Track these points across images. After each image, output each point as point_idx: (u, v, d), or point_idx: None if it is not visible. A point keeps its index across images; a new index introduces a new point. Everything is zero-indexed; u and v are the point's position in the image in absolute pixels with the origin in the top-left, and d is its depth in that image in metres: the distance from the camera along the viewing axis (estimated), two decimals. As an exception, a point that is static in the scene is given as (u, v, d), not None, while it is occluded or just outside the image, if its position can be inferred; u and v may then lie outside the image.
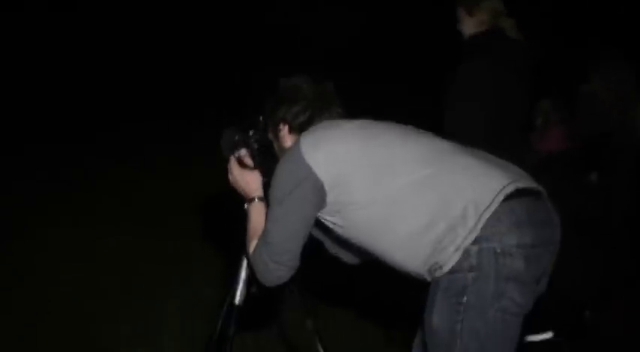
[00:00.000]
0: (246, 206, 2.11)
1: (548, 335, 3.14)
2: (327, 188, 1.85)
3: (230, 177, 2.14)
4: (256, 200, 2.08)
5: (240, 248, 2.25)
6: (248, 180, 2.10)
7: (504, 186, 1.74)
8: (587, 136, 3.41)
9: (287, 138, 2.09)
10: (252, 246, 2.00)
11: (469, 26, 3.07)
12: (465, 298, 1.73)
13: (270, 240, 1.91)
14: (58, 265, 4.21)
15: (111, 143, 7.02)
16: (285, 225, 1.89)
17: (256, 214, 2.05)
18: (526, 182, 1.81)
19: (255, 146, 2.14)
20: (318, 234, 2.18)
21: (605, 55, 3.56)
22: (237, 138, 2.17)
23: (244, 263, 2.26)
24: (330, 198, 1.87)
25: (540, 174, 2.99)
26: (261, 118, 2.15)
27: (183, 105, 8.35)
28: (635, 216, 3.34)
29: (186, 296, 3.87)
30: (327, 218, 1.96)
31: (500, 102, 3.01)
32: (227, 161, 2.17)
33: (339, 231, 1.97)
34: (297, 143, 1.93)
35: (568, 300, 3.17)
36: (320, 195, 1.86)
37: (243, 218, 2.12)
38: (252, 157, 2.13)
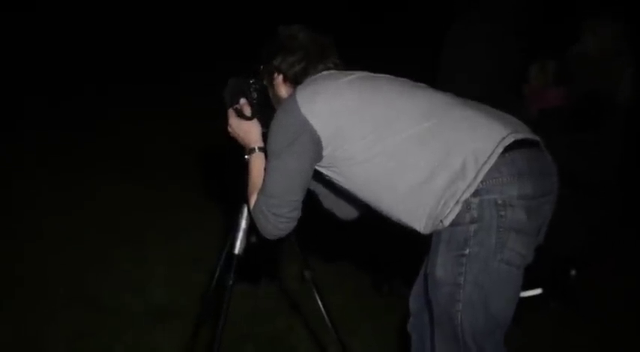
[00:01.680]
0: (246, 157, 2.09)
1: (537, 292, 3.20)
2: (323, 141, 1.84)
3: (229, 128, 2.11)
4: (256, 150, 2.05)
5: (240, 197, 2.24)
6: (247, 130, 2.08)
7: (504, 138, 1.73)
8: (579, 94, 3.43)
9: (281, 87, 2.07)
10: (252, 199, 1.98)
11: None
12: (468, 250, 1.73)
13: (269, 193, 1.90)
14: (46, 215, 4.18)
15: (121, 97, 6.97)
16: (283, 178, 1.88)
17: (257, 165, 2.03)
18: (525, 132, 1.80)
19: (255, 95, 2.11)
20: (315, 186, 2.17)
21: (598, 14, 3.56)
22: (237, 87, 2.13)
23: (244, 212, 2.25)
24: (326, 152, 1.86)
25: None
26: (261, 67, 2.12)
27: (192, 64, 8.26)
28: (623, 171, 3.40)
29: (179, 246, 3.87)
30: (325, 171, 1.95)
31: (491, 60, 3.01)
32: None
33: (337, 183, 1.96)
34: (293, 95, 1.90)
35: (557, 257, 3.23)
36: (317, 147, 1.85)
37: (242, 168, 2.11)
38: (251, 106, 2.10)
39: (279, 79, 2.07)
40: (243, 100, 2.10)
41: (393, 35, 9.40)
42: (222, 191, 4.28)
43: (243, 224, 2.26)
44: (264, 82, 2.11)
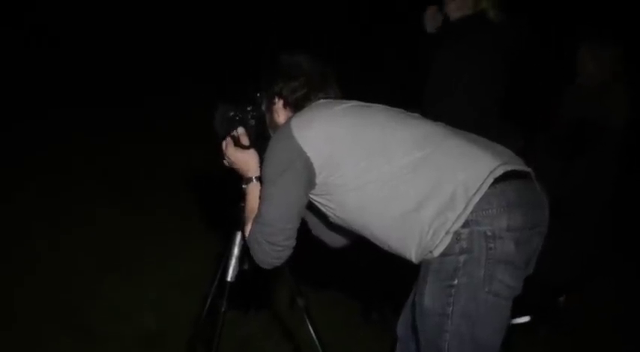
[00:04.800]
0: (244, 186, 2.11)
1: (525, 319, 3.22)
2: (316, 168, 1.86)
3: (226, 157, 2.13)
4: (254, 180, 2.07)
5: (231, 224, 2.26)
6: (245, 160, 2.10)
7: (494, 169, 1.75)
8: (570, 121, 3.47)
9: (280, 112, 2.09)
10: (248, 228, 1.99)
11: (452, 9, 3.05)
12: (457, 281, 1.74)
13: (264, 221, 1.90)
14: (33, 241, 4.15)
15: (101, 122, 6.97)
16: (278, 205, 1.89)
17: (254, 195, 2.04)
18: (515, 164, 1.82)
19: (253, 122, 2.14)
20: (305, 214, 2.16)
21: (595, 37, 3.60)
22: (232, 114, 2.15)
23: (237, 239, 2.27)
24: (319, 179, 1.88)
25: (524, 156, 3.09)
26: (259, 95, 2.14)
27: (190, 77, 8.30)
28: (614, 198, 3.42)
29: (169, 271, 3.85)
30: (317, 199, 1.96)
31: (479, 88, 3.03)
32: (218, 137, 2.15)
33: (328, 212, 1.98)
34: (287, 122, 1.92)
35: (546, 284, 3.24)
36: (310, 174, 1.86)
37: (233, 194, 2.13)
38: (249, 135, 2.12)
39: (279, 104, 2.09)
40: (241, 129, 2.12)
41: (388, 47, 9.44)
42: (212, 216, 4.31)
43: (236, 251, 2.28)
44: (262, 108, 2.13)
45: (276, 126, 2.08)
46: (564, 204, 2.98)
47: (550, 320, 3.49)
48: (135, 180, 5.40)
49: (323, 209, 1.98)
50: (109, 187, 5.18)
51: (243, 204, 2.10)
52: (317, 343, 2.34)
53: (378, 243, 1.90)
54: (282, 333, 3.22)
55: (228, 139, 2.12)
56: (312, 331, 2.33)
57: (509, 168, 1.77)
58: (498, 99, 3.14)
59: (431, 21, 3.15)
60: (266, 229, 1.90)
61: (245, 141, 2.11)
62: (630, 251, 4.39)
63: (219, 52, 9.07)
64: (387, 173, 1.80)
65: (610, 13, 7.14)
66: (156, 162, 5.86)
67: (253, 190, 2.06)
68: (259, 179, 2.03)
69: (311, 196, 1.95)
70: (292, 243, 1.94)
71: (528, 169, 1.85)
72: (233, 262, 2.28)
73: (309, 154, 1.85)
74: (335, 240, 2.26)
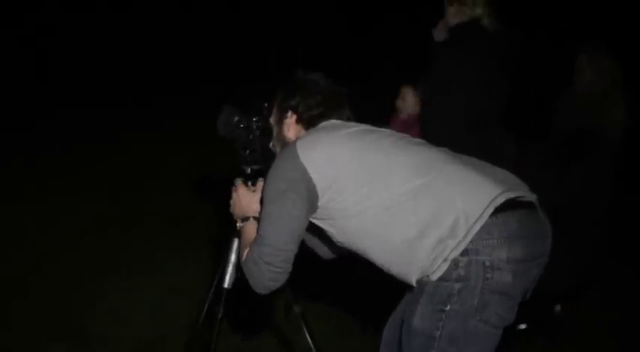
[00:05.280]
0: (239, 225, 2.13)
1: (522, 327, 3.22)
2: (319, 191, 1.85)
3: (234, 195, 2.16)
4: (251, 219, 2.09)
5: (229, 230, 2.28)
6: (251, 200, 2.12)
7: (495, 197, 1.73)
8: (566, 129, 3.47)
9: (291, 127, 2.08)
10: (245, 253, 1.97)
11: (451, 14, 3.13)
12: (449, 307, 1.74)
13: (263, 241, 1.88)
14: (31, 246, 4.17)
15: (101, 122, 7.00)
16: (277, 225, 1.86)
17: (250, 231, 2.05)
18: (518, 191, 1.80)
19: (257, 133, 2.16)
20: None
21: (593, 44, 3.62)
22: (236, 119, 2.18)
23: (234, 246, 2.28)
24: (321, 202, 1.87)
25: (519, 165, 3.10)
26: (266, 105, 2.16)
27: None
28: (611, 205, 3.43)
29: (166, 277, 3.86)
30: (319, 223, 1.96)
31: (475, 94, 3.06)
32: (218, 133, 2.20)
33: (330, 234, 1.97)
34: (293, 144, 1.92)
35: (542, 293, 3.25)
36: (313, 197, 1.86)
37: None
38: (255, 145, 2.16)
39: (292, 118, 2.07)
40: (260, 182, 2.13)
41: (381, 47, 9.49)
42: (209, 221, 4.32)
43: (233, 258, 2.30)
44: (271, 119, 2.14)
45: (282, 140, 2.09)
46: (561, 211, 2.98)
47: (547, 328, 3.50)
48: (136, 183, 5.43)
49: (326, 232, 1.98)
50: (105, 192, 5.21)
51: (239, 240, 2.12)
52: (313, 350, 2.35)
53: (378, 265, 1.89)
54: (278, 341, 3.23)
55: (240, 182, 2.17)
56: (308, 338, 2.34)
57: (511, 195, 1.76)
58: (498, 107, 3.17)
59: (439, 32, 3.22)
60: (264, 249, 1.87)
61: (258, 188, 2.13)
62: (628, 258, 4.40)
63: (228, 52, 9.09)
64: (387, 200, 1.80)
65: (605, 20, 7.16)
66: (160, 163, 5.89)
67: (248, 227, 2.07)
68: (256, 218, 2.05)
69: (313, 220, 1.94)
70: (289, 266, 1.90)
71: (533, 197, 1.83)
72: (230, 269, 2.29)
73: (312, 176, 1.84)
74: (327, 253, 2.26)
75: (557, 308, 3.58)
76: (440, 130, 3.02)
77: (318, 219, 1.94)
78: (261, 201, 1.96)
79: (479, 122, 3.07)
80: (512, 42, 3.16)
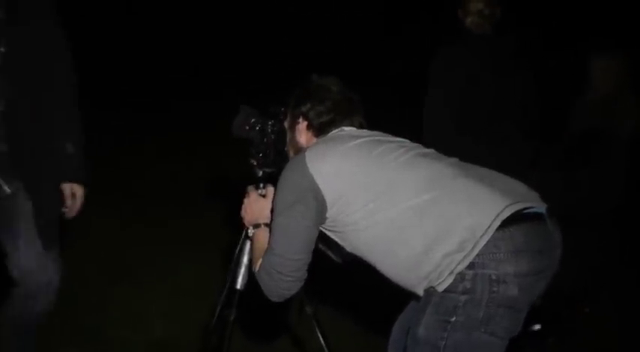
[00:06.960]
0: (251, 231, 2.15)
1: (536, 327, 3.21)
2: (328, 202, 1.86)
3: (246, 201, 2.17)
4: (262, 226, 2.10)
5: (241, 232, 2.28)
6: (263, 207, 2.12)
7: (501, 211, 1.73)
8: (578, 132, 3.47)
9: (303, 133, 2.09)
10: (256, 266, 1.99)
11: (460, 14, 3.17)
12: (454, 318, 1.74)
13: (273, 251, 1.90)
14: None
15: (111, 127, 7.01)
16: (287, 236, 1.88)
17: (262, 238, 2.05)
18: (527, 201, 1.79)
19: (272, 137, 2.17)
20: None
21: (604, 47, 3.61)
22: (253, 120, 2.19)
23: (246, 248, 2.28)
24: (330, 214, 1.88)
25: (532, 167, 3.10)
26: (282, 109, 2.16)
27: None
28: (624, 208, 3.42)
29: (179, 279, 3.88)
30: (329, 235, 1.97)
31: (478, 93, 3.07)
32: (232, 134, 2.20)
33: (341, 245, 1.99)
34: (302, 154, 1.93)
35: (555, 294, 3.23)
36: (321, 208, 1.86)
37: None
38: (268, 149, 2.16)
39: (302, 125, 2.08)
40: (271, 188, 2.12)
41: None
42: (221, 224, 4.33)
43: (245, 259, 2.30)
44: (285, 123, 2.15)
45: (296, 146, 2.10)
46: (571, 212, 2.97)
47: (559, 329, 3.48)
48: (149, 186, 5.43)
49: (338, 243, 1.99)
50: (116, 196, 5.22)
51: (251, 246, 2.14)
52: (326, 351, 2.35)
53: (387, 277, 1.91)
54: (291, 342, 3.23)
55: (253, 189, 2.18)
56: (321, 338, 2.34)
57: (518, 207, 1.75)
58: (507, 111, 3.16)
59: None
60: (275, 259, 1.89)
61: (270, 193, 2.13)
62: (638, 260, 4.36)
63: (245, 55, 9.07)
64: (394, 215, 1.80)
65: (605, 20, 7.12)
66: (165, 170, 5.90)
67: (260, 233, 2.09)
68: (267, 225, 2.06)
69: (324, 231, 1.95)
70: (303, 275, 1.92)
71: (542, 207, 1.81)
72: (242, 270, 2.29)
73: (321, 187, 1.84)
74: (340, 256, 2.25)
75: (567, 310, 3.55)
76: (428, 131, 3.04)
77: (328, 231, 1.95)
78: (272, 211, 1.98)
79: (472, 124, 3.07)
80: (509, 47, 3.17)
